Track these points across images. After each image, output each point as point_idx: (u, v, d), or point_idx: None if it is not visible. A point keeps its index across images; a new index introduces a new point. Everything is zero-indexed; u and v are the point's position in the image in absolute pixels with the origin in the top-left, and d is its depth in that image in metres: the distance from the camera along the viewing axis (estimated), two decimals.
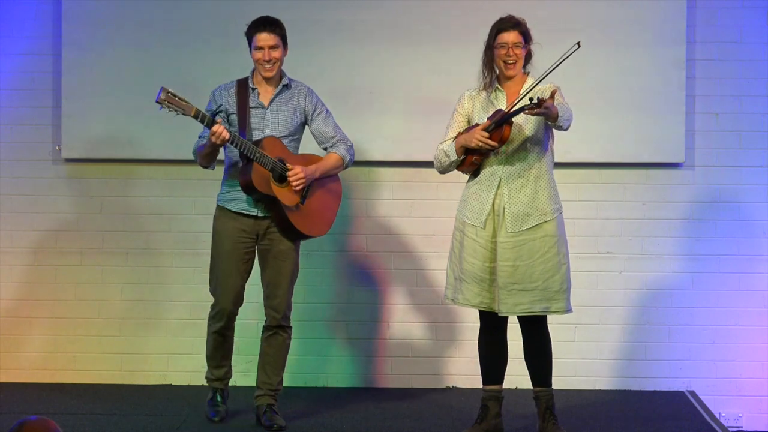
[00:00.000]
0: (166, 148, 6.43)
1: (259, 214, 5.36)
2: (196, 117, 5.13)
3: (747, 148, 6.52)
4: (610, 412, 5.95)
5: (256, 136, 5.35)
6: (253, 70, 5.43)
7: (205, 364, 5.64)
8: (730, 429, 6.04)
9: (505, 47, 5.10)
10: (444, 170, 5.27)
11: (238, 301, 5.47)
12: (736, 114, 6.51)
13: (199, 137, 5.38)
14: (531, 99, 4.93)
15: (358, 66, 6.46)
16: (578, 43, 4.94)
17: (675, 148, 6.45)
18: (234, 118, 5.36)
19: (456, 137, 5.18)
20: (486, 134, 5.01)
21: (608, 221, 6.50)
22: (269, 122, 5.37)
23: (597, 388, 6.47)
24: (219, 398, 5.58)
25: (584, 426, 5.60)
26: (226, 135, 5.12)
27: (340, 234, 6.53)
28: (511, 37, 5.10)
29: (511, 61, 5.10)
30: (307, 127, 5.53)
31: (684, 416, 5.88)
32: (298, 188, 5.32)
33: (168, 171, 6.53)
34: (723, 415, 6.39)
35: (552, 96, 4.92)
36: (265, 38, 5.31)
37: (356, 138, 6.38)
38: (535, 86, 5.00)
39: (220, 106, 5.39)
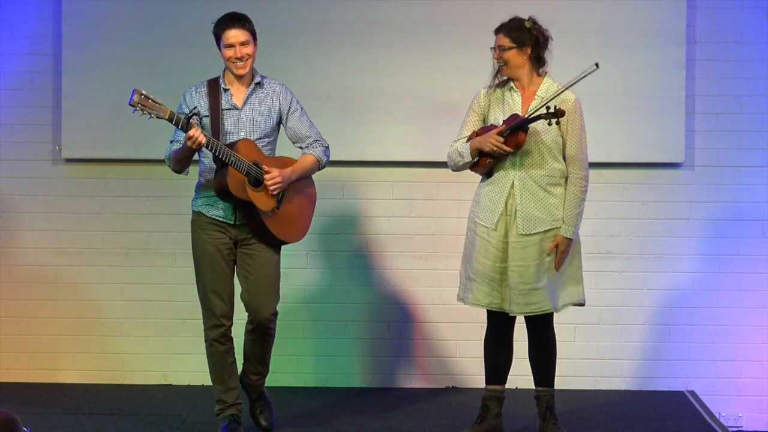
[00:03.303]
0: (165, 148, 6.42)
1: (237, 222, 5.20)
2: (170, 120, 4.96)
3: (747, 148, 6.52)
4: (610, 412, 5.96)
5: (231, 138, 5.16)
6: (224, 70, 5.25)
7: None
8: (730, 429, 6.04)
9: (494, 50, 5.12)
10: (457, 169, 5.24)
11: (232, 306, 5.26)
12: (736, 114, 6.51)
13: (172, 141, 5.22)
14: (548, 108, 4.94)
15: (359, 67, 6.45)
16: (596, 64, 4.97)
17: (675, 148, 6.45)
18: (207, 121, 5.18)
19: (471, 136, 5.17)
20: (501, 139, 5.00)
21: (608, 221, 6.50)
22: (244, 124, 5.19)
23: (597, 388, 6.47)
24: (235, 425, 5.25)
25: (584, 426, 5.61)
26: (202, 139, 4.94)
27: (340, 234, 6.53)
28: (497, 40, 5.12)
29: (499, 64, 5.11)
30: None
31: (684, 416, 5.89)
32: (275, 192, 5.13)
33: (167, 171, 6.49)
34: (723, 415, 6.39)
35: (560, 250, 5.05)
36: (235, 35, 5.14)
37: (356, 138, 6.40)
38: (552, 99, 4.98)
39: (194, 108, 5.16)
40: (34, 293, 6.57)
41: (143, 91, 4.94)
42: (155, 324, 6.56)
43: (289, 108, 5.29)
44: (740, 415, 6.49)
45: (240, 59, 5.15)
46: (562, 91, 5.01)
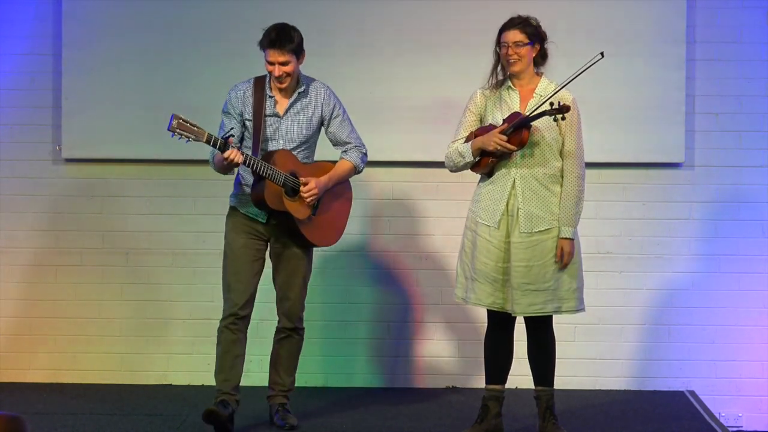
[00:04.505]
0: (166, 148, 6.43)
1: (270, 222, 5.31)
2: (208, 142, 5.01)
3: (747, 148, 6.52)
4: (610, 412, 5.95)
5: (270, 146, 5.25)
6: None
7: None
8: (730, 429, 6.04)
9: (505, 46, 5.10)
10: (457, 170, 5.24)
11: (252, 299, 5.34)
12: (736, 114, 6.51)
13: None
14: (552, 104, 4.94)
15: (360, 69, 6.45)
16: (602, 53, 4.97)
17: (675, 148, 6.45)
18: (250, 125, 5.26)
19: (468, 137, 5.17)
20: (504, 138, 4.99)
21: (608, 221, 6.50)
22: (283, 132, 5.27)
23: (597, 388, 6.47)
24: (222, 407, 5.21)
25: (584, 426, 5.61)
26: (239, 160, 5.01)
27: None
28: (510, 36, 5.10)
29: (512, 60, 5.10)
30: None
31: (684, 416, 5.89)
32: (311, 202, 5.26)
33: (168, 171, 6.53)
34: (723, 415, 6.39)
35: (564, 253, 5.04)
36: (274, 55, 5.16)
37: None
38: (556, 93, 4.99)
39: (231, 129, 5.22)
40: (34, 293, 6.57)
41: (181, 116, 4.97)
42: (155, 324, 6.56)
43: (332, 113, 5.38)
44: (740, 415, 6.49)
45: (278, 78, 5.20)
46: (569, 82, 4.98)
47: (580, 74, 4.97)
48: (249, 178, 5.26)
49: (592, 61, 4.96)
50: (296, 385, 5.62)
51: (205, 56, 6.42)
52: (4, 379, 6.49)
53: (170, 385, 6.53)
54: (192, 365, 6.48)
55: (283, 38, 5.17)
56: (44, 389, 6.33)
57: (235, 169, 5.32)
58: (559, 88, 5.02)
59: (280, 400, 5.48)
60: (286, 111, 5.29)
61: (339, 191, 5.44)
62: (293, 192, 5.23)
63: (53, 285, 6.57)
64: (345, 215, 5.51)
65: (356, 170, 5.46)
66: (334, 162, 5.45)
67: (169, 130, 4.95)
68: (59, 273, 6.57)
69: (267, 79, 5.30)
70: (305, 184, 5.23)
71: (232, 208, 5.38)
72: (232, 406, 5.29)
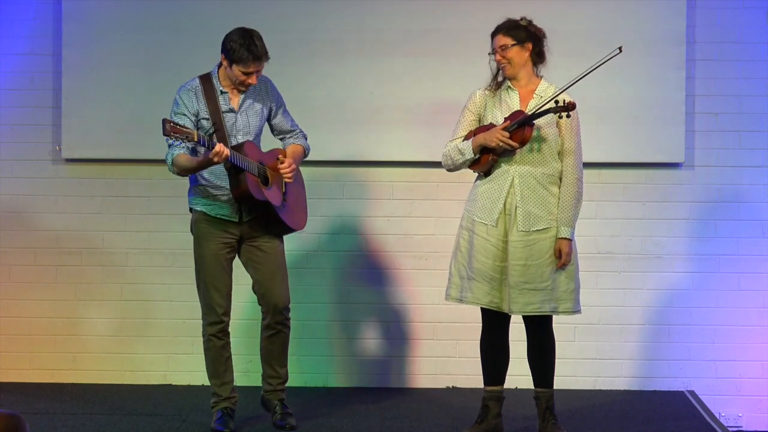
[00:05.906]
0: (165, 149, 6.42)
1: (243, 219, 5.30)
2: (198, 141, 5.02)
3: (747, 148, 6.52)
4: (609, 412, 5.96)
5: (230, 141, 5.24)
6: (219, 68, 5.30)
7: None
8: (730, 429, 6.04)
9: (495, 52, 5.13)
10: (455, 168, 5.24)
11: (230, 300, 5.37)
12: (736, 114, 6.51)
13: (170, 145, 5.18)
14: (557, 102, 4.94)
15: (361, 71, 6.45)
16: (620, 48, 4.98)
17: (675, 148, 6.45)
18: (205, 123, 5.23)
19: (467, 136, 5.17)
20: (507, 134, 5.00)
21: (608, 221, 6.50)
22: (241, 126, 5.29)
23: (597, 388, 6.47)
24: (227, 418, 5.35)
25: (584, 426, 5.61)
26: (227, 153, 5.01)
27: (339, 234, 6.53)
28: (496, 41, 5.14)
29: (502, 65, 5.12)
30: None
31: (684, 416, 5.89)
32: (290, 178, 5.33)
33: (168, 171, 6.51)
34: (723, 415, 6.39)
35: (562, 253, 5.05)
36: (257, 66, 5.19)
37: (356, 138, 6.41)
38: (567, 88, 5.01)
39: (212, 130, 5.22)
40: (34, 293, 6.57)
41: (172, 120, 5.01)
42: (155, 324, 6.56)
43: (277, 104, 5.45)
44: (740, 415, 6.49)
45: (250, 85, 5.25)
46: (584, 76, 4.99)
47: (594, 69, 4.98)
48: (212, 179, 5.26)
49: (610, 56, 4.99)
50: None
51: (205, 56, 6.39)
52: (4, 379, 6.49)
53: (170, 385, 6.53)
54: (192, 365, 6.47)
55: (262, 49, 5.20)
56: (44, 389, 6.33)
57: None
58: (569, 84, 5.01)
59: (279, 395, 5.47)
60: (240, 105, 5.31)
61: (296, 175, 5.52)
62: (265, 181, 5.27)
63: (53, 285, 6.57)
64: (305, 197, 5.57)
65: (306, 153, 5.53)
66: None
67: (165, 135, 4.97)
68: (59, 273, 6.57)
69: (215, 76, 5.32)
70: (283, 162, 5.31)
71: (199, 213, 5.33)
72: (234, 411, 5.39)
